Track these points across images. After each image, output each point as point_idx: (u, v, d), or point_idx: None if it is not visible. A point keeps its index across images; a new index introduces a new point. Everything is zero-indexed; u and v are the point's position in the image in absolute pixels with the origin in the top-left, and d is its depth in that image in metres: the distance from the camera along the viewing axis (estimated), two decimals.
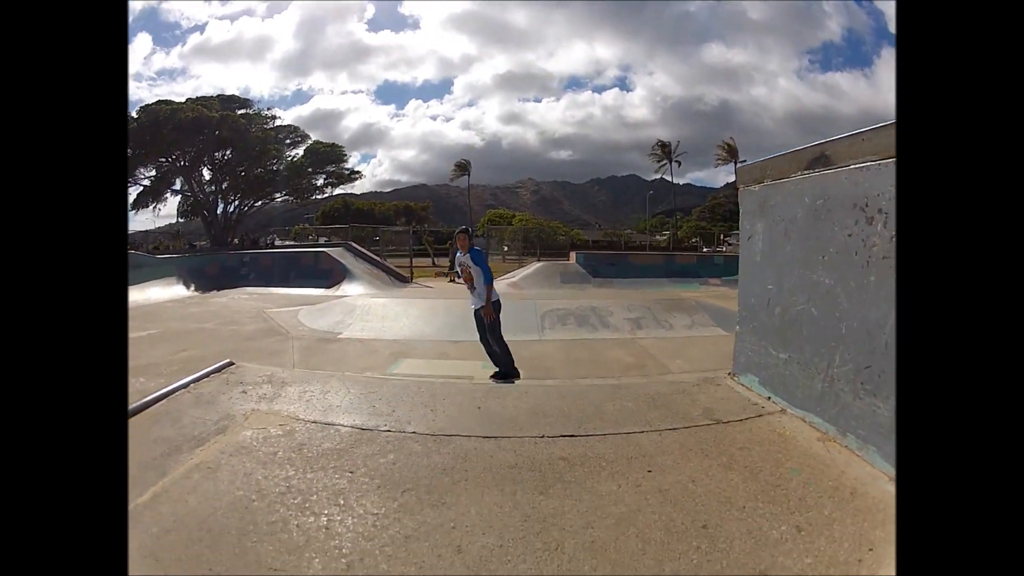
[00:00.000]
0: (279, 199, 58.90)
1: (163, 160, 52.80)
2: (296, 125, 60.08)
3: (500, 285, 10.17)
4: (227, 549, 1.60)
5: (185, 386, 2.90)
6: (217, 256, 29.62)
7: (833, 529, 1.70)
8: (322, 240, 43.99)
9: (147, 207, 54.60)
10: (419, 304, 13.72)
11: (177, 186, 55.20)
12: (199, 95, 56.50)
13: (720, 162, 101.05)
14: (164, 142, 50.49)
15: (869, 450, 2.17)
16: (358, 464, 2.15)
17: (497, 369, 6.77)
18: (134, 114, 50.96)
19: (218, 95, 57.48)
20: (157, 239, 53.88)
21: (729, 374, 3.35)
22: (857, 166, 2.37)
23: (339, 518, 1.78)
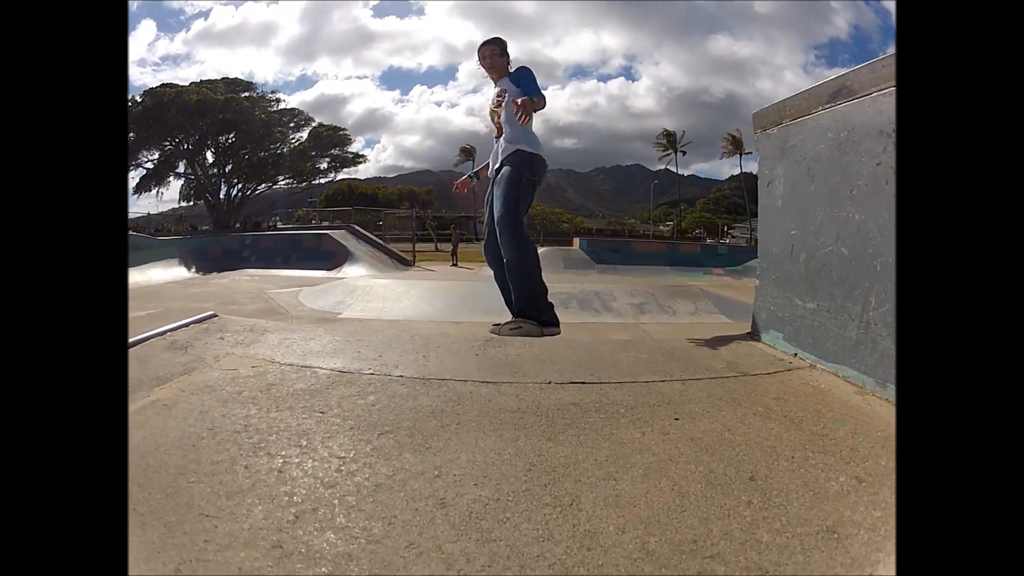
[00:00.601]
0: (283, 183, 59.31)
1: (166, 143, 53.33)
2: (300, 109, 60.22)
3: None
4: (159, 488, 1.33)
5: (162, 334, 2.67)
6: (219, 238, 30.19)
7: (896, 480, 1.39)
8: (325, 224, 44.16)
9: (150, 190, 55.45)
10: (421, 285, 13.61)
11: (180, 169, 55.65)
12: (203, 79, 56.47)
13: (725, 154, 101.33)
14: (168, 125, 51.22)
15: None
16: (331, 405, 1.84)
17: (518, 319, 3.85)
18: (138, 98, 51.28)
19: (222, 79, 57.74)
20: (159, 222, 54.39)
21: (747, 334, 3.07)
22: (879, 93, 2.23)
23: (297, 460, 1.47)
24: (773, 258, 2.97)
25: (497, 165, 4.36)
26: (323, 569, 1.08)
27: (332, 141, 58.69)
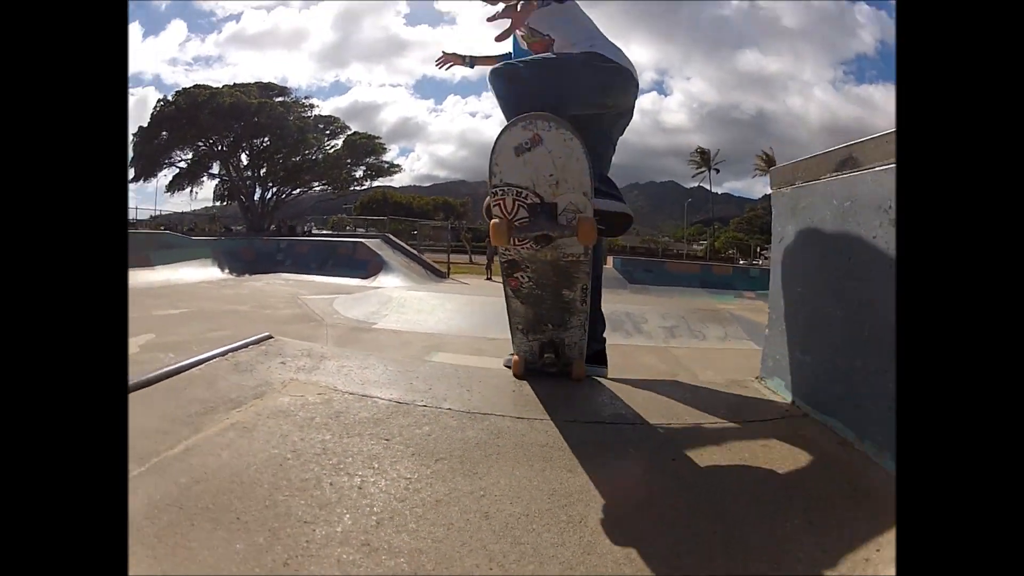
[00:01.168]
0: (317, 188, 59.23)
1: (200, 144, 53.32)
2: (335, 116, 60.40)
3: None
4: (257, 501, 1.67)
5: (223, 354, 2.95)
6: (253, 241, 29.93)
7: (844, 527, 1.74)
8: (359, 231, 44.25)
9: (183, 189, 55.48)
10: (455, 299, 13.78)
11: (214, 170, 55.75)
12: (236, 82, 56.88)
13: (758, 172, 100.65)
14: (201, 126, 51.15)
15: (885, 457, 2.19)
16: (394, 433, 2.22)
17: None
18: (170, 97, 51.49)
19: (256, 83, 58.12)
20: (193, 221, 54.56)
21: (757, 378, 3.38)
22: (882, 168, 2.39)
23: (372, 479, 1.85)
24: (781, 311, 3.22)
25: None
26: (401, 559, 1.47)
27: (367, 150, 58.70)
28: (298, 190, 58.08)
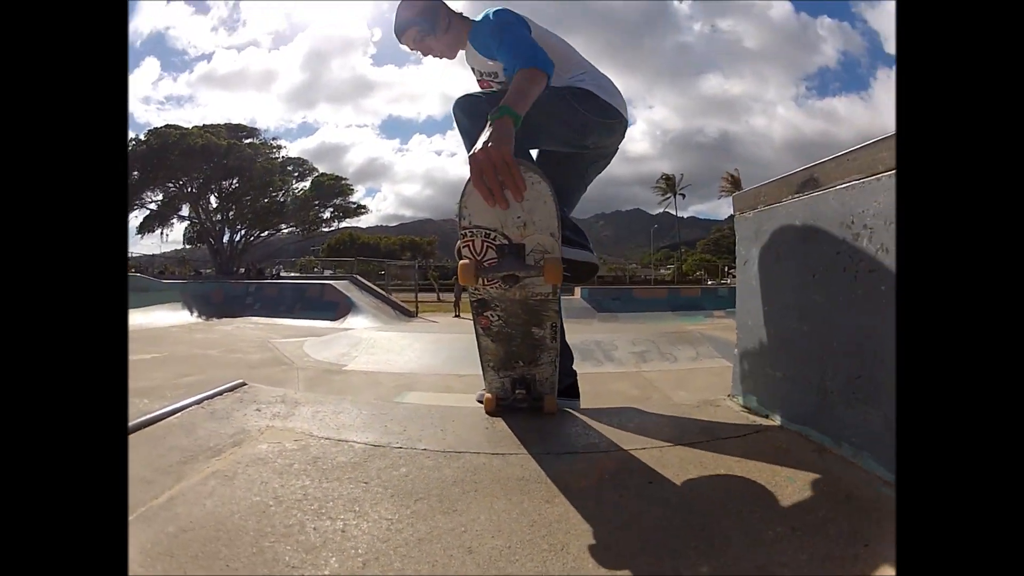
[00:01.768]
0: (285, 230, 59.34)
1: (170, 185, 53.40)
2: (304, 158, 60.77)
3: None
4: (245, 548, 1.68)
5: (199, 401, 2.97)
6: (223, 284, 29.97)
7: (828, 528, 1.79)
8: (327, 272, 44.32)
9: (153, 231, 55.47)
10: (424, 338, 13.90)
11: (184, 212, 55.79)
12: (206, 123, 56.95)
13: (724, 194, 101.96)
14: (172, 167, 51.18)
15: (863, 456, 2.26)
16: (372, 476, 2.23)
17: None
18: (142, 136, 51.48)
19: (225, 124, 58.12)
20: (163, 264, 54.64)
21: (729, 395, 3.44)
22: (843, 186, 2.47)
23: (355, 522, 1.86)
24: (749, 330, 3.30)
25: None
26: None
27: (334, 191, 59.04)
28: (266, 232, 57.93)
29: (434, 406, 3.48)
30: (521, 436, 2.76)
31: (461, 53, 3.15)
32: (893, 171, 2.15)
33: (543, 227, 2.53)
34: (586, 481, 2.23)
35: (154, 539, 1.69)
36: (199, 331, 17.47)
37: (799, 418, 2.74)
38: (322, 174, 59.49)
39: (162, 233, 55.98)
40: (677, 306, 28.71)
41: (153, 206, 54.19)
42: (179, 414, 2.80)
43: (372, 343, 13.32)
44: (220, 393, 3.17)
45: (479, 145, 2.15)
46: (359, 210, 61.15)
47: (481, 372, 3.29)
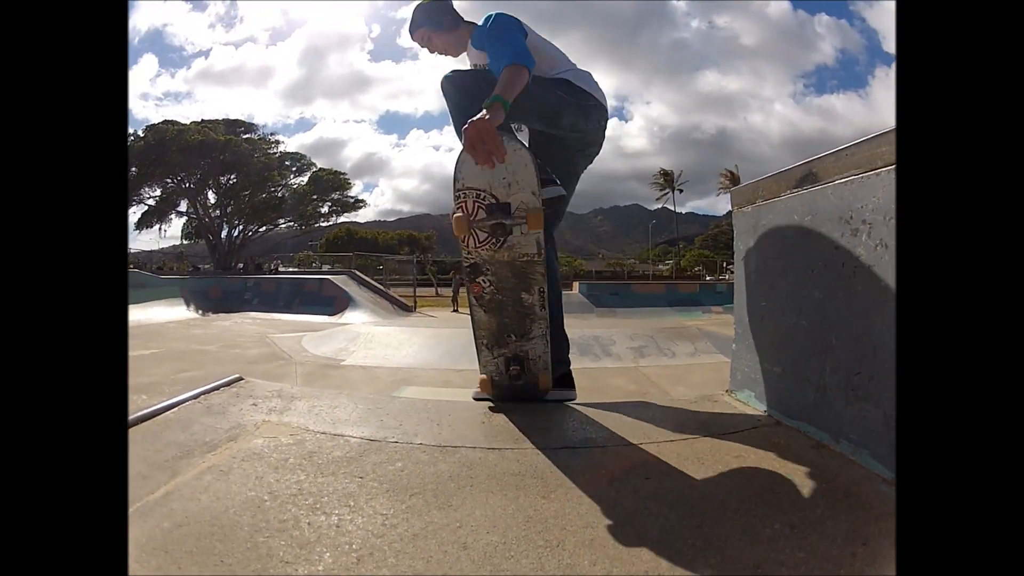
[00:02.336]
0: (283, 225, 59.21)
1: (168, 180, 53.31)
2: (301, 153, 60.65)
3: None
4: (239, 543, 1.66)
5: (195, 396, 2.96)
6: (221, 279, 29.83)
7: (826, 526, 1.78)
8: (326, 267, 44.24)
9: (152, 227, 55.34)
10: (422, 333, 13.81)
11: (182, 208, 55.75)
12: (204, 119, 56.86)
13: (722, 190, 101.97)
14: (170, 163, 51.07)
15: (862, 453, 2.25)
16: (367, 471, 2.21)
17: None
18: (140, 132, 51.35)
19: (223, 119, 57.93)
20: (161, 259, 54.62)
21: (727, 391, 3.43)
22: (842, 181, 2.47)
23: (349, 517, 1.84)
24: (747, 325, 3.30)
25: None
26: None
27: (332, 185, 58.91)
28: (264, 227, 57.92)
29: (430, 400, 3.46)
30: (518, 431, 2.75)
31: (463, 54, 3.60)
32: (892, 166, 2.14)
33: (526, 186, 2.91)
34: (583, 477, 2.21)
35: (150, 535, 1.68)
36: (197, 327, 17.30)
37: (797, 414, 2.73)
38: (320, 169, 59.64)
39: (160, 229, 56.08)
40: (675, 302, 28.55)
41: (151, 202, 54.15)
42: (175, 409, 2.78)
43: (370, 338, 13.25)
44: (216, 388, 3.16)
45: (474, 119, 2.58)
46: (357, 204, 61.29)
47: (476, 357, 3.39)
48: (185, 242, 61.98)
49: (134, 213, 53.52)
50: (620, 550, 1.68)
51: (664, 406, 3.27)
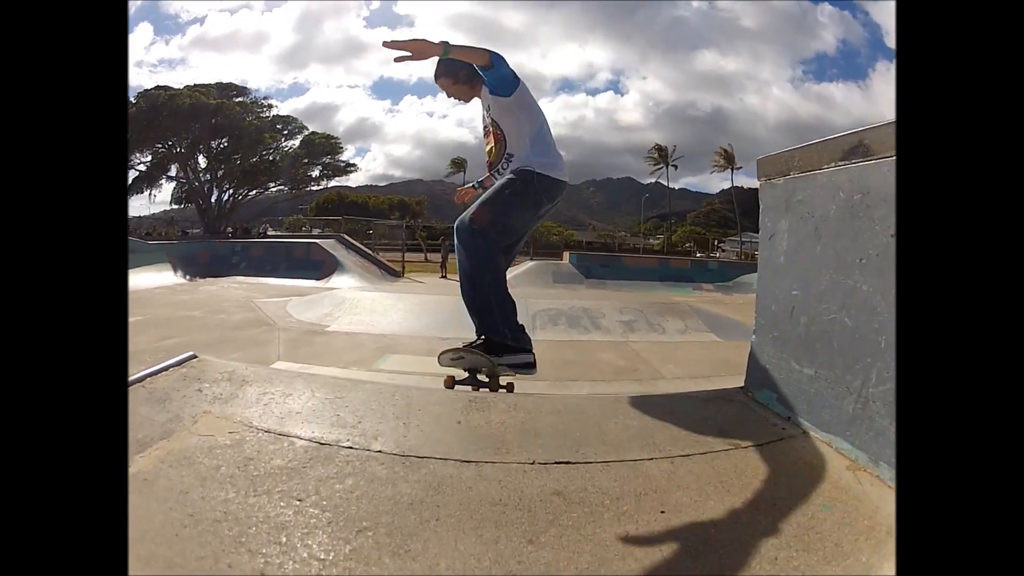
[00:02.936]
0: (274, 189, 59.91)
1: (159, 146, 53.90)
2: (294, 116, 61.23)
3: None
4: None
5: (140, 380, 2.58)
6: (209, 244, 30.30)
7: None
8: (315, 231, 44.57)
9: (142, 192, 56.47)
10: (408, 299, 13.80)
11: (172, 172, 56.28)
12: (196, 84, 57.12)
13: (716, 168, 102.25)
14: (161, 128, 51.85)
15: None
16: (309, 489, 1.79)
17: (463, 348, 3.63)
18: (132, 99, 51.66)
19: (216, 83, 58.46)
20: (151, 225, 55.23)
21: (742, 389, 3.01)
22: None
23: (277, 560, 1.43)
24: (772, 316, 2.89)
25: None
26: None
27: (324, 149, 59.72)
28: (255, 191, 58.06)
29: (400, 386, 2.99)
30: (498, 435, 2.31)
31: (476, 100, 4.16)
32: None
33: None
34: (582, 510, 1.77)
35: None
36: (184, 292, 17.49)
37: (830, 426, 2.33)
38: (312, 132, 59.99)
39: (150, 195, 56.39)
40: (666, 277, 28.81)
41: (141, 168, 54.31)
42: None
43: (356, 303, 13.23)
44: (166, 368, 2.77)
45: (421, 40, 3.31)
46: (348, 168, 61.42)
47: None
48: (175, 207, 62.14)
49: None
50: None
51: (671, 403, 2.84)
